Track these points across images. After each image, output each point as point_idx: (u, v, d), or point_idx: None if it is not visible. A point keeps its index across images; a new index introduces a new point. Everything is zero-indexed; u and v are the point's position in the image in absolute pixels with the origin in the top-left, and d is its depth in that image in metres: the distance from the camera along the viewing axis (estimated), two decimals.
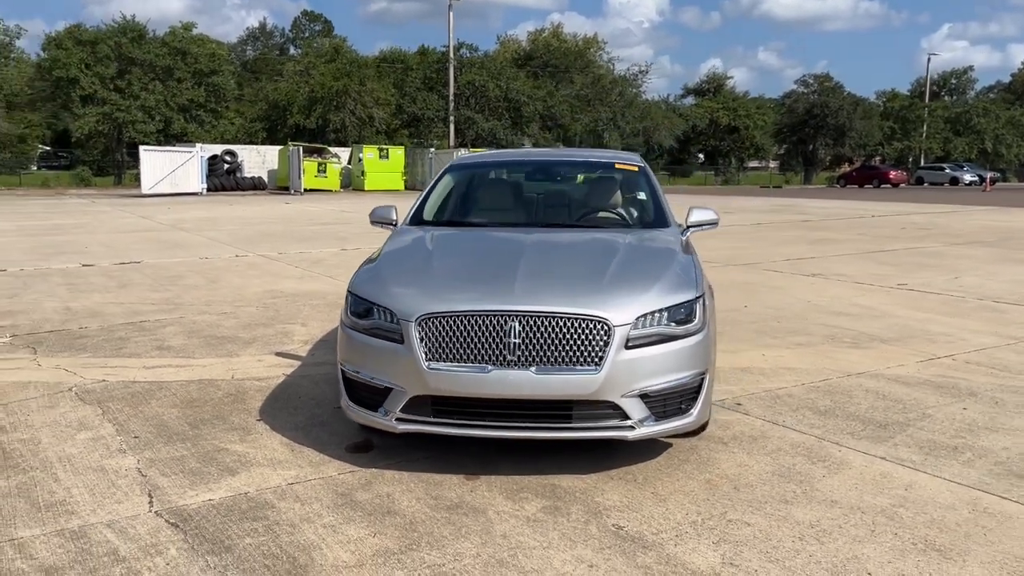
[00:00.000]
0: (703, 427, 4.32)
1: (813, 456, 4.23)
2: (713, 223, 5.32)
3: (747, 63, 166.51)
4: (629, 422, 3.80)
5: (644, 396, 3.81)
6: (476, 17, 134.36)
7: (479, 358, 3.75)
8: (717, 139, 62.71)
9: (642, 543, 3.27)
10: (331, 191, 38.27)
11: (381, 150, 40.51)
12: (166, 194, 33.13)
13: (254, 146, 40.54)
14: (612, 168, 5.95)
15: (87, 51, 38.19)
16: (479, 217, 5.43)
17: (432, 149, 42.59)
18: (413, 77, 48.75)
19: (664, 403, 3.89)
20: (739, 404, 5.09)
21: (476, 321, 3.78)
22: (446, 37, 53.53)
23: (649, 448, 4.27)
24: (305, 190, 36.60)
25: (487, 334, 3.76)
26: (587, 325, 3.75)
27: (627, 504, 3.64)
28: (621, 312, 3.80)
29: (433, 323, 3.81)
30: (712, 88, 67.04)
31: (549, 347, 3.74)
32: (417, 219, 5.37)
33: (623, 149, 55.30)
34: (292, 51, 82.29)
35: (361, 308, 4.10)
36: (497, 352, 3.74)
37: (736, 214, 22.71)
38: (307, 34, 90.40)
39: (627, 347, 3.77)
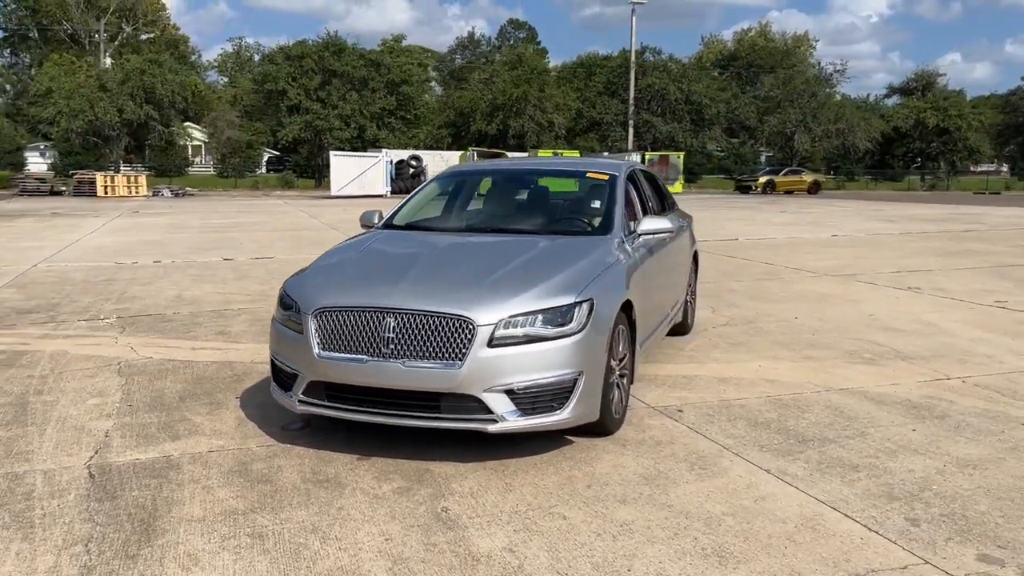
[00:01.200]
0: (603, 428, 4.53)
1: (699, 464, 4.29)
2: (664, 231, 5.41)
3: (991, 57, 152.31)
4: (492, 416, 4.08)
5: (510, 392, 4.08)
6: (692, 17, 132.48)
7: (359, 349, 4.18)
8: (924, 141, 58.23)
9: (449, 525, 3.57)
10: None
11: (555, 153, 41.30)
12: (354, 196, 35.68)
13: (438, 151, 42.68)
14: (583, 178, 6.14)
15: (295, 65, 41.95)
16: (439, 222, 5.85)
17: (605, 153, 42.88)
18: (595, 82, 49.25)
19: (533, 400, 4.13)
20: (680, 411, 5.16)
21: (358, 316, 4.22)
22: (654, 40, 53.39)
23: (547, 443, 4.50)
24: None
25: (367, 328, 4.18)
26: (452, 323, 4.08)
27: (474, 491, 3.93)
28: (487, 313, 4.09)
29: (326, 316, 4.29)
30: (920, 87, 62.32)
31: (419, 342, 4.10)
32: (388, 222, 5.85)
33: (811, 152, 52.82)
34: (498, 59, 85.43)
35: (284, 302, 4.64)
36: (374, 345, 4.15)
37: (898, 223, 21.36)
38: (512, 41, 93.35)
39: (491, 345, 4.05)
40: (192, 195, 38.48)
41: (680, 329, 7.16)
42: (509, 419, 4.10)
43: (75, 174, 37.43)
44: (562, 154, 41.68)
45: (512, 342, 4.10)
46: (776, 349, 6.83)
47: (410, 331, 4.12)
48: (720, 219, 22.41)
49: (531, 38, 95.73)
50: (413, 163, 41.13)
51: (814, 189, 44.55)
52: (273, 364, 4.69)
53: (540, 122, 44.97)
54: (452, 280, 4.46)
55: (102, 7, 70.36)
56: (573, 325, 4.21)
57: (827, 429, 4.82)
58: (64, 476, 4.11)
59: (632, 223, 5.51)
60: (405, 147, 43.44)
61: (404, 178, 40.18)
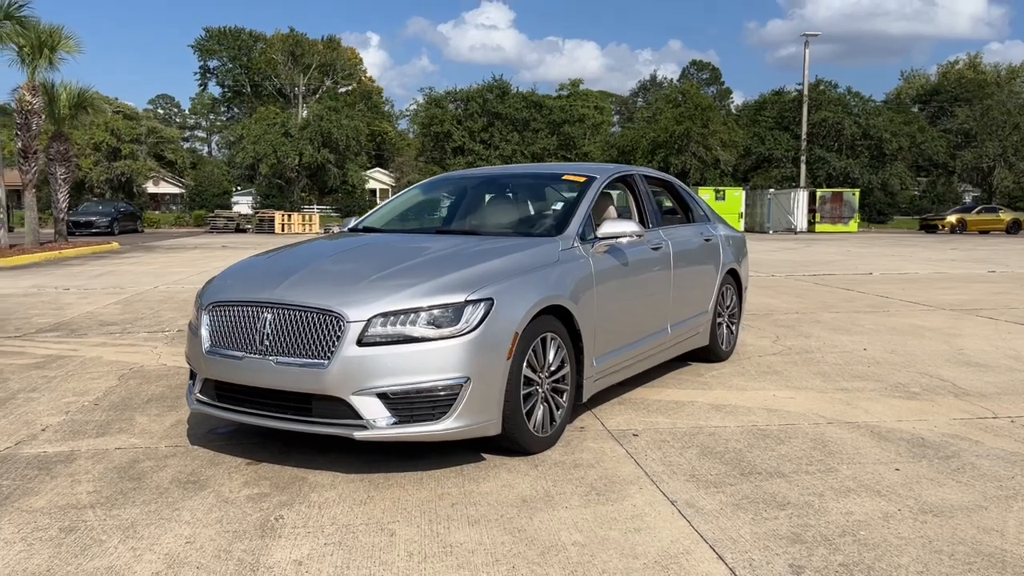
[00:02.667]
0: (516, 445, 4.09)
1: (599, 490, 3.72)
2: (625, 235, 4.85)
3: None
4: (361, 421, 3.74)
5: (383, 396, 3.73)
6: (897, 54, 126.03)
7: (238, 346, 3.98)
8: None
9: (265, 533, 3.25)
10: None
11: (717, 191, 39.96)
12: None
13: None
14: (558, 180, 5.66)
15: (460, 108, 43.41)
16: (394, 224, 5.57)
17: (771, 190, 40.97)
18: (766, 116, 47.43)
19: (411, 406, 3.76)
20: (635, 435, 4.58)
21: (241, 310, 4.02)
22: (854, 80, 51.20)
23: (460, 457, 4.10)
24: None
25: (247, 323, 3.98)
26: (322, 319, 3.80)
27: (327, 502, 3.59)
28: (359, 308, 3.77)
29: (216, 312, 4.14)
30: None
31: (290, 339, 3.85)
32: (353, 226, 5.64)
33: (1015, 188, 47.84)
34: (681, 100, 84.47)
35: (196, 302, 4.53)
36: (252, 341, 3.94)
37: None
38: (695, 82, 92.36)
39: (361, 344, 3.73)
40: None
41: (708, 354, 6.46)
42: (379, 426, 3.74)
43: (258, 212, 40.37)
44: (725, 192, 40.30)
45: (387, 341, 3.75)
46: (810, 379, 5.99)
47: (284, 327, 3.88)
48: (872, 255, 20.63)
49: (714, 78, 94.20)
50: None
51: (1013, 228, 40.24)
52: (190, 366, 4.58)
53: (704, 159, 43.77)
54: (342, 275, 4.18)
55: (306, 64, 76.37)
56: (461, 326, 3.80)
57: (788, 463, 4.09)
58: None
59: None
60: None
61: None
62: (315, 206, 42.47)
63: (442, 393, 3.75)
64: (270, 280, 4.18)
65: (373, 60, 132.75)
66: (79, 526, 3.33)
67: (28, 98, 22.96)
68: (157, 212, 50.04)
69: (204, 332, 4.15)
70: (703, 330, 6.25)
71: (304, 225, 39.62)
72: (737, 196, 40.24)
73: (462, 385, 3.76)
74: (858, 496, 3.62)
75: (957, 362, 6.61)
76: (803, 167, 43.69)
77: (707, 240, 6.36)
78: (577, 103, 68.53)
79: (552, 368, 4.31)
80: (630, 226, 4.86)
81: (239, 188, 60.66)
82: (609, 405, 5.22)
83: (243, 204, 61.98)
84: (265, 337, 3.90)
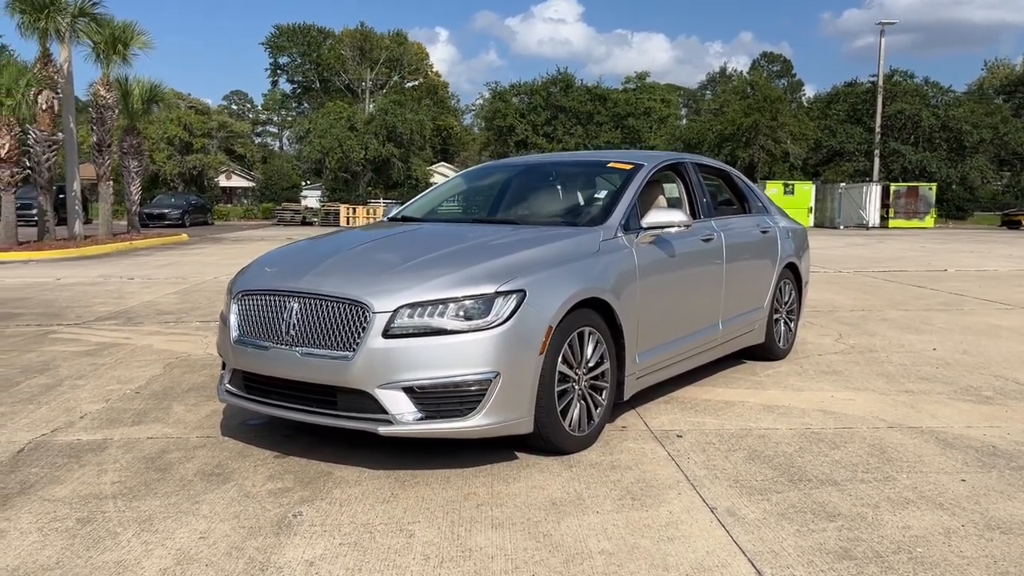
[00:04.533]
0: (549, 444, 3.91)
1: (634, 495, 3.52)
2: (672, 225, 4.60)
3: None
4: (386, 416, 3.60)
5: (409, 391, 3.59)
6: (980, 43, 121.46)
7: (265, 335, 3.89)
8: None
9: (281, 531, 3.14)
10: None
11: (786, 186, 38.97)
12: None
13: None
14: (603, 168, 5.42)
15: (524, 102, 43.24)
16: (435, 213, 5.42)
17: (843, 184, 39.76)
18: (837, 109, 46.06)
19: (438, 401, 3.60)
20: (680, 436, 4.34)
21: (268, 299, 3.92)
22: (932, 70, 49.50)
23: (490, 455, 3.94)
24: None
25: (273, 313, 3.88)
26: (348, 309, 3.67)
27: (349, 499, 3.46)
28: (386, 299, 3.63)
29: (245, 301, 4.05)
30: None
31: (317, 330, 3.73)
32: (394, 215, 5.50)
33: None
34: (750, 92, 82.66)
35: (227, 290, 4.45)
36: (278, 331, 3.84)
37: None
38: (765, 75, 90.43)
39: (387, 336, 3.59)
40: None
41: (764, 352, 6.16)
42: (405, 421, 3.59)
43: (324, 205, 40.93)
44: (794, 186, 39.29)
45: (414, 333, 3.60)
46: (872, 380, 5.65)
47: (311, 317, 3.76)
48: (947, 251, 19.77)
49: (785, 70, 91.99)
50: None
51: None
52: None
53: (772, 152, 42.70)
54: (371, 264, 4.05)
55: (373, 59, 77.27)
56: (491, 318, 3.63)
57: (842, 470, 3.80)
58: (19, 439, 4.18)
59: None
60: None
61: None
62: (380, 200, 42.78)
63: (471, 388, 3.58)
64: (299, 269, 4.07)
65: (441, 55, 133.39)
66: (96, 517, 3.26)
67: (103, 93, 23.59)
68: (228, 205, 51.19)
69: (233, 321, 4.07)
70: (758, 327, 5.95)
71: (369, 218, 40.00)
72: (806, 190, 39.18)
73: (491, 380, 3.59)
74: (917, 508, 3.33)
75: None
76: (876, 161, 42.29)
77: (764, 232, 6.05)
78: (643, 96, 67.71)
79: (590, 364, 4.11)
80: (677, 215, 4.62)
81: (308, 182, 61.72)
82: (654, 404, 4.99)
83: (311, 198, 63.04)
84: (291, 327, 3.79)
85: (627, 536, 3.07)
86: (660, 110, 61.56)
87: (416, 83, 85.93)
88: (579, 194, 5.40)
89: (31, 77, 19.08)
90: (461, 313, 3.63)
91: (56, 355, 6.62)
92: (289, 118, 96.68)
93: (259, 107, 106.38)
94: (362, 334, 3.61)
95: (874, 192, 38.58)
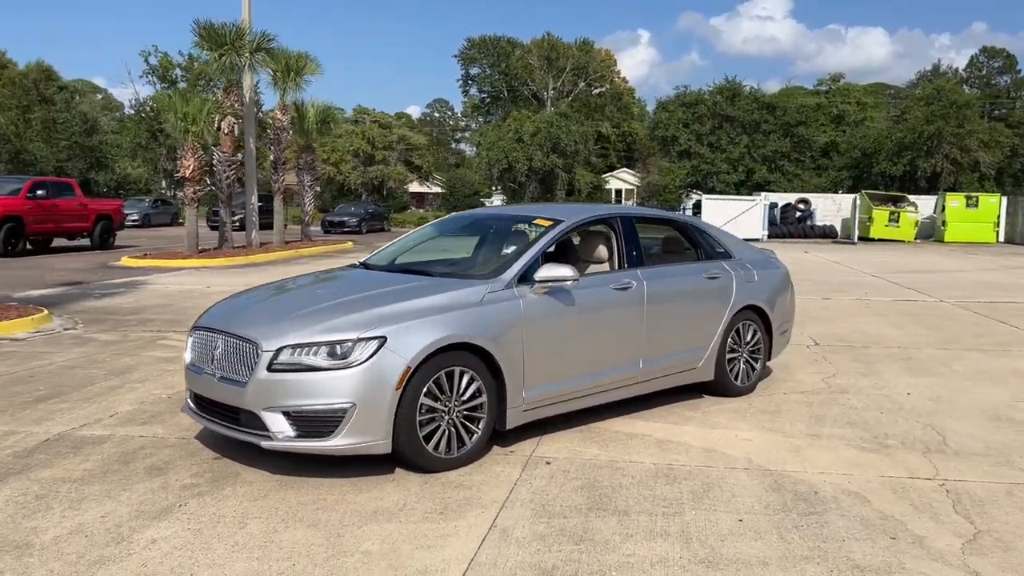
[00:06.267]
0: (413, 464, 4.75)
1: (453, 510, 4.29)
2: (561, 279, 5.27)
3: None
4: (267, 432, 4.61)
5: (287, 414, 4.57)
6: None
7: (203, 363, 5.00)
8: None
9: (163, 515, 4.19)
10: (903, 241, 35.87)
11: (969, 198, 36.35)
12: None
13: (829, 194, 40.37)
14: (528, 223, 6.07)
15: (688, 112, 43.15)
16: (388, 262, 6.29)
17: None
18: None
19: (308, 423, 4.56)
20: (548, 463, 5.03)
21: (205, 335, 5.05)
22: None
23: (381, 470, 4.82)
24: (872, 239, 35.09)
25: (208, 346, 4.99)
26: (247, 347, 4.71)
27: (233, 496, 4.47)
28: (272, 340, 4.63)
29: (195, 334, 5.19)
30: None
31: (229, 362, 4.80)
32: (362, 261, 6.47)
33: None
34: (966, 90, 76.72)
35: None
36: (210, 361, 4.94)
37: None
38: (983, 72, 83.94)
39: (271, 370, 4.59)
40: None
41: (718, 389, 6.63)
42: (282, 438, 4.58)
43: None
44: (978, 198, 36.61)
45: (291, 368, 4.58)
46: (797, 423, 5.99)
47: (227, 352, 4.83)
48: None
49: (1008, 66, 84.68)
50: (801, 207, 39.40)
51: None
52: None
53: (959, 161, 39.97)
54: (279, 310, 5.07)
55: (559, 67, 79.17)
56: (351, 359, 4.54)
57: (647, 503, 4.38)
58: (29, 438, 5.54)
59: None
60: (798, 190, 41.83)
61: (789, 222, 38.66)
62: None
63: (332, 415, 4.51)
64: (232, 311, 5.18)
65: (642, 57, 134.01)
66: (49, 494, 4.48)
67: (279, 116, 26.38)
68: (420, 211, 54.58)
69: (188, 350, 5.22)
70: (703, 365, 6.42)
71: None
72: (993, 203, 36.35)
73: (348, 409, 4.50)
74: (653, 540, 3.90)
75: (993, 416, 6.21)
76: None
77: (713, 278, 6.50)
78: (836, 99, 64.95)
79: (464, 397, 4.90)
80: (566, 271, 5.29)
81: (497, 188, 64.51)
82: (566, 432, 5.66)
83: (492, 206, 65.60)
84: (215, 359, 4.88)
85: (398, 542, 3.88)
86: (854, 113, 58.91)
87: (602, 90, 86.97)
88: (503, 246, 6.12)
89: (211, 107, 21.84)
90: (329, 354, 4.57)
91: (144, 360, 8.16)
92: (482, 126, 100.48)
93: (459, 114, 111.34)
94: (254, 367, 4.63)
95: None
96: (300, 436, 4.57)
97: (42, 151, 47.83)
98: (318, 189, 51.00)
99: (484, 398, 4.98)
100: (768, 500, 4.44)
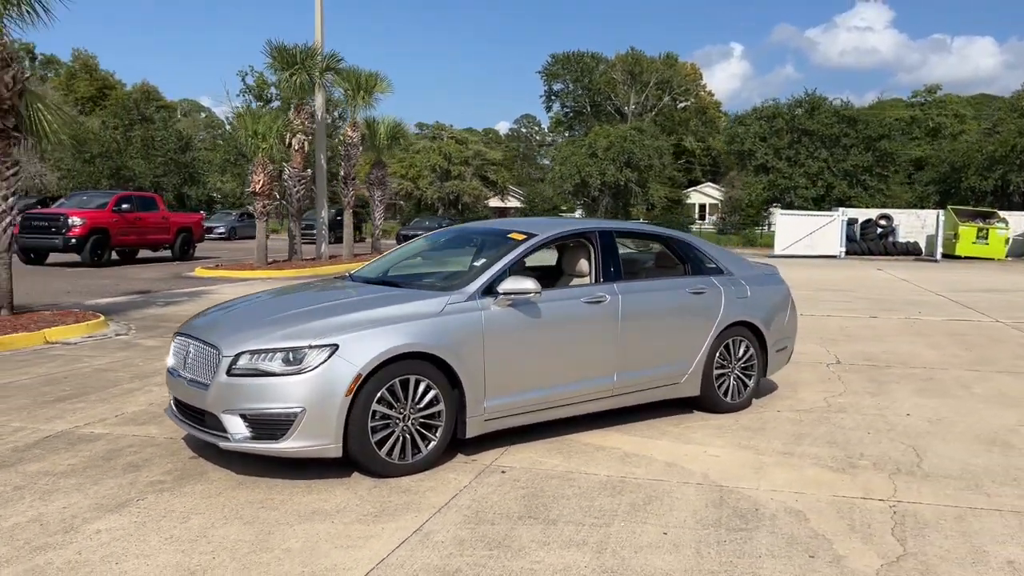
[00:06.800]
0: (365, 469, 4.93)
1: (389, 513, 4.43)
2: (524, 292, 5.36)
3: None
4: (226, 434, 4.85)
5: (243, 416, 4.81)
6: None
7: (180, 368, 5.29)
8: None
9: (118, 508, 4.47)
10: (991, 259, 34.31)
11: None
12: (799, 256, 34.62)
13: (914, 210, 38.91)
14: (502, 237, 6.14)
15: (766, 125, 42.27)
16: (375, 274, 6.45)
17: None
18: None
19: (261, 426, 4.79)
20: (503, 472, 5.12)
21: (182, 341, 5.34)
22: None
23: (337, 473, 5.02)
24: (958, 257, 33.68)
25: (184, 351, 5.28)
26: (210, 352, 4.97)
27: (190, 493, 4.72)
28: (232, 347, 4.88)
29: (176, 340, 5.49)
30: None
31: (198, 366, 5.07)
32: (352, 272, 6.68)
33: None
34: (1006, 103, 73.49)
35: None
36: (184, 365, 5.23)
37: None
38: None
39: (229, 374, 4.83)
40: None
41: (707, 404, 6.60)
42: (238, 439, 4.82)
43: None
44: None
45: (248, 373, 4.81)
46: (774, 441, 5.91)
47: (196, 356, 5.11)
48: None
49: None
50: (882, 223, 38.12)
51: None
52: None
53: None
54: (245, 319, 5.31)
55: (643, 81, 79.02)
56: (303, 366, 4.75)
57: (583, 513, 4.44)
58: (33, 434, 5.94)
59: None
60: (881, 205, 40.48)
61: (869, 238, 37.45)
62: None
63: (283, 418, 4.72)
64: (208, 320, 5.47)
65: (734, 71, 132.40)
66: (28, 486, 4.82)
67: (349, 133, 27.21)
68: None
69: (169, 356, 5.52)
70: (686, 380, 6.40)
71: None
72: None
73: (298, 414, 4.70)
74: (567, 549, 3.95)
75: (987, 440, 5.99)
76: None
77: (699, 293, 6.48)
78: (932, 111, 62.61)
79: (420, 406, 5.04)
80: (528, 283, 5.39)
81: (578, 203, 64.63)
82: (535, 443, 5.73)
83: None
84: (187, 363, 5.17)
85: (322, 541, 4.05)
86: (951, 126, 56.66)
87: (686, 104, 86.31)
88: (475, 259, 6.24)
89: (280, 125, 22.69)
90: (284, 360, 4.78)
91: None
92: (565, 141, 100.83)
93: (545, 129, 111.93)
94: (215, 371, 4.89)
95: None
96: (255, 438, 4.80)
97: (140, 167, 50.33)
98: (401, 203, 52.10)
99: (442, 407, 5.12)
100: (703, 515, 4.43)
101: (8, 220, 11.20)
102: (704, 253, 6.87)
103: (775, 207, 42.54)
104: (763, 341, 6.90)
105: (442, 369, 5.11)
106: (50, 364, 8.59)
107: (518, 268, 6.28)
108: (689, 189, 77.27)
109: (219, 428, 4.90)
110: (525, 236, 5.95)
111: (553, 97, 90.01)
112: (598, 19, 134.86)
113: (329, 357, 4.77)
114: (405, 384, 4.99)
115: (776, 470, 5.23)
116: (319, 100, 25.53)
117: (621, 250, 7.03)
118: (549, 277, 6.55)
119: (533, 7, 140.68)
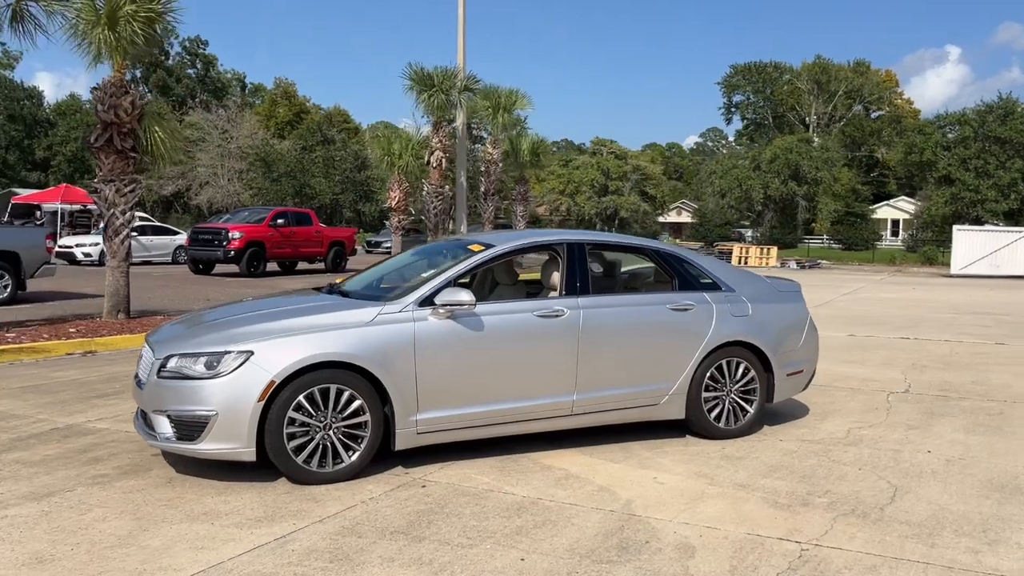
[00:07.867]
0: (288, 475, 5.01)
1: (271, 518, 4.48)
2: (458, 303, 5.24)
3: None
4: (154, 433, 5.09)
5: (169, 417, 5.03)
6: None
7: (139, 372, 5.61)
8: None
9: (50, 495, 4.80)
10: None
11: None
12: (980, 275, 31.65)
13: None
14: (463, 248, 5.96)
15: (950, 133, 38.98)
16: (355, 286, 6.47)
17: None
18: None
19: (183, 427, 4.98)
20: (423, 487, 5.03)
21: (146, 347, 5.65)
22: None
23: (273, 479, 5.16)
24: None
25: (145, 357, 5.59)
26: (150, 355, 5.23)
27: (134, 487, 4.98)
28: (165, 350, 5.11)
29: (143, 348, 5.82)
30: None
31: (143, 368, 5.36)
32: (331, 284, 6.74)
33: None
34: None
35: None
36: (140, 369, 5.55)
37: None
38: None
39: (159, 376, 5.07)
40: (821, 267, 38.96)
41: (696, 429, 6.19)
42: (164, 439, 5.04)
43: (717, 245, 41.62)
44: None
45: (173, 376, 5.02)
46: (748, 474, 5.42)
47: (146, 359, 5.39)
48: None
49: None
50: None
51: None
52: None
53: None
54: (194, 324, 5.53)
55: (831, 91, 75.60)
56: (219, 370, 4.90)
57: (460, 534, 4.28)
58: (44, 425, 6.48)
59: None
60: None
61: None
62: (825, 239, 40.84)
63: (198, 421, 4.89)
64: (169, 325, 5.75)
65: (950, 76, 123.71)
66: (2, 472, 5.26)
67: (489, 151, 27.80)
68: (676, 240, 54.55)
69: (138, 363, 5.86)
70: (668, 402, 6.01)
71: (761, 258, 39.62)
72: None
73: (211, 417, 4.85)
74: (405, 568, 3.83)
75: (997, 486, 5.21)
76: None
77: (681, 309, 6.07)
78: None
79: (343, 415, 5.06)
80: (463, 295, 5.27)
81: (750, 216, 62.53)
82: (489, 459, 5.57)
83: (748, 235, 63.67)
84: (142, 366, 5.47)
85: (184, 540, 4.14)
86: None
87: (881, 113, 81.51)
88: (425, 271, 6.12)
89: (415, 143, 23.55)
90: (205, 364, 4.96)
91: None
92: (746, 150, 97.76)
93: (732, 141, 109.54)
94: (151, 373, 5.14)
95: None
96: (178, 438, 4.99)
97: (321, 185, 53.82)
98: (558, 218, 52.41)
99: (367, 417, 5.11)
100: (583, 544, 4.14)
101: (125, 233, 12.31)
102: (697, 267, 6.43)
103: (963, 222, 39.11)
104: (767, 363, 6.36)
105: (369, 379, 5.10)
106: (110, 366, 9.26)
107: (490, 280, 6.19)
108: (880, 204, 72.26)
109: (150, 427, 5.14)
110: (483, 247, 5.83)
111: (733, 109, 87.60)
112: (783, 27, 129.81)
113: (244, 363, 4.89)
114: (326, 393, 5.02)
115: (712, 502, 4.80)
116: (459, 119, 26.24)
117: (626, 265, 6.75)
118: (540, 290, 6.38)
119: (716, 16, 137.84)
